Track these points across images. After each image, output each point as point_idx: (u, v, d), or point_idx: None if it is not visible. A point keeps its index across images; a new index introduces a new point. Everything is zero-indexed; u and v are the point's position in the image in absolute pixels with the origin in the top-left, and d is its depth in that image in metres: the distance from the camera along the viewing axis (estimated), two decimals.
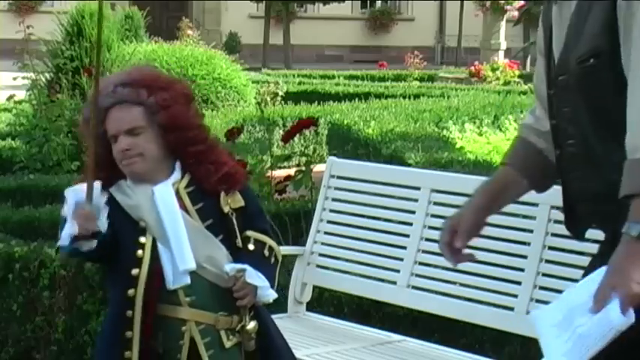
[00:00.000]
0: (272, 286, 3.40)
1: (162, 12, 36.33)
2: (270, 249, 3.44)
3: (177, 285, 3.29)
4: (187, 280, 3.29)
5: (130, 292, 3.26)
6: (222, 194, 3.35)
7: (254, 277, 3.31)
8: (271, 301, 3.40)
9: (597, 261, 2.78)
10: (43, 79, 10.07)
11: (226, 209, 3.34)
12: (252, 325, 3.34)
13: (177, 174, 3.36)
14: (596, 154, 2.66)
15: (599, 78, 2.53)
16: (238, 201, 3.38)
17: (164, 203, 3.30)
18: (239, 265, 3.31)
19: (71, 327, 5.35)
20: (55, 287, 5.35)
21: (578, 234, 3.07)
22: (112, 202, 3.29)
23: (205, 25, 36.38)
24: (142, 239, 3.28)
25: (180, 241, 3.27)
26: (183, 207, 3.32)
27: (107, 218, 3.25)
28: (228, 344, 3.33)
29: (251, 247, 3.39)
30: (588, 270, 2.86)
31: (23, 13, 32.05)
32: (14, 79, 10.36)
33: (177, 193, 3.33)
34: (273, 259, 3.45)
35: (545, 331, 2.49)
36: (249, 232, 3.40)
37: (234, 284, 3.29)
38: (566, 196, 2.96)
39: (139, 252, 3.28)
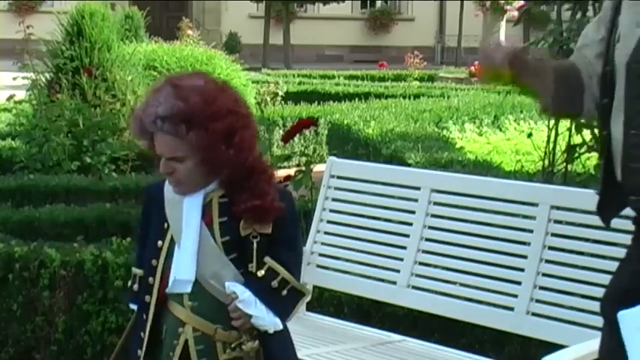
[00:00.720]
0: (281, 318, 3.32)
1: (162, 12, 36.32)
2: (284, 281, 3.32)
3: (174, 290, 3.31)
4: (187, 289, 3.30)
5: (150, 279, 3.35)
6: (244, 220, 3.28)
7: (249, 304, 3.26)
8: (271, 331, 3.31)
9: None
10: (43, 79, 10.06)
11: (244, 233, 3.29)
12: (250, 345, 3.28)
13: (214, 185, 3.32)
14: None
15: None
16: (266, 227, 3.29)
17: (189, 210, 3.31)
18: (236, 287, 3.26)
19: (71, 327, 5.35)
20: (55, 287, 5.35)
21: (609, 220, 3.03)
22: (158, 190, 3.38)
23: (205, 25, 36.38)
24: (163, 237, 3.35)
25: (187, 252, 3.29)
26: (209, 216, 3.30)
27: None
28: (223, 357, 3.30)
29: (260, 273, 3.30)
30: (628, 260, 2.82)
31: (23, 13, 32.06)
32: (14, 79, 10.35)
33: (210, 202, 3.31)
34: (285, 292, 3.33)
35: (630, 335, 2.48)
36: (266, 259, 3.31)
37: (229, 304, 3.29)
38: (614, 183, 2.85)
39: (159, 242, 3.35)
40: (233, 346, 3.30)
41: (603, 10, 3.04)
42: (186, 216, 3.31)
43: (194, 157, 3.22)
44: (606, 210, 3.10)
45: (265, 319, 3.28)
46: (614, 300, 2.87)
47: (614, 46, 2.91)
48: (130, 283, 3.50)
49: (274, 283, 3.30)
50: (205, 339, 3.31)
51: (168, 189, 3.36)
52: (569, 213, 4.27)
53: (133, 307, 3.47)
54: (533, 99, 3.32)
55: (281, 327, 3.33)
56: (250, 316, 3.27)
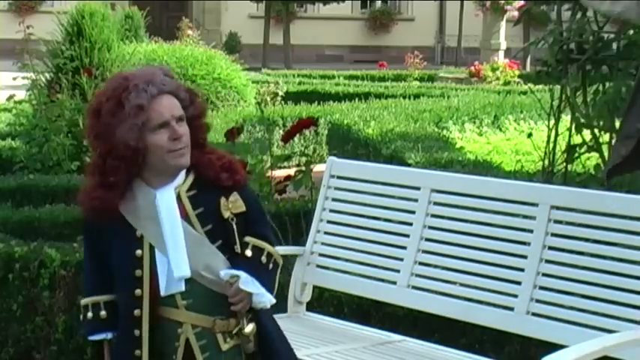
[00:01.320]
0: (271, 292, 3.39)
1: (162, 12, 36.30)
2: (269, 255, 3.42)
3: (169, 292, 3.30)
4: (181, 287, 3.30)
5: (137, 292, 3.29)
6: (223, 200, 3.34)
7: (249, 283, 3.31)
8: (268, 306, 3.39)
9: None
10: (43, 79, 10.06)
11: (226, 215, 3.33)
12: (249, 328, 3.34)
13: (181, 177, 3.36)
14: None
15: None
16: (239, 206, 3.36)
17: (166, 209, 3.30)
18: (233, 272, 3.30)
19: (71, 327, 5.35)
20: (55, 287, 5.35)
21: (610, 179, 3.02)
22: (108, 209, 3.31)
23: (205, 25, 36.36)
24: (139, 246, 3.30)
25: (177, 248, 3.28)
26: (183, 211, 3.32)
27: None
28: (225, 347, 3.33)
29: (248, 253, 3.37)
30: None
31: (23, 13, 32.03)
32: (14, 79, 10.35)
33: (179, 196, 3.33)
34: (271, 265, 3.43)
35: None
36: (247, 238, 3.39)
37: (229, 290, 3.29)
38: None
39: (138, 252, 3.30)
40: (235, 332, 3.32)
41: None
42: (165, 215, 3.29)
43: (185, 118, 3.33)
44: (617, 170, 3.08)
45: (264, 295, 3.34)
46: None
47: None
48: (88, 315, 3.39)
49: (263, 259, 3.39)
50: (206, 333, 3.32)
51: (124, 206, 3.30)
52: (569, 213, 4.27)
53: (100, 337, 3.39)
54: None
55: (274, 301, 3.40)
56: (251, 296, 3.30)
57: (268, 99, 15.85)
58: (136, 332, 3.30)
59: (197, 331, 3.32)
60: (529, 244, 4.34)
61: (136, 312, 3.29)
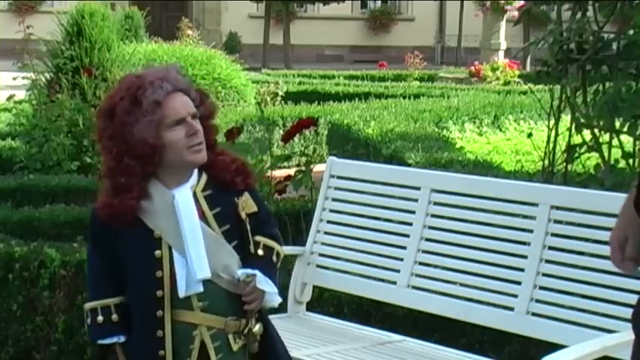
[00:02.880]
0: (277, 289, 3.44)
1: (163, 12, 36.30)
2: (278, 255, 3.47)
3: (188, 293, 3.29)
4: (200, 289, 3.29)
5: (159, 293, 3.27)
6: (241, 200, 3.36)
7: (264, 282, 3.34)
8: (276, 305, 3.43)
9: None
10: (43, 79, 10.06)
11: (243, 215, 3.36)
12: (257, 327, 3.36)
13: (194, 177, 3.35)
14: None
15: None
16: (251, 206, 3.38)
17: (185, 210, 3.29)
18: (250, 271, 3.32)
19: (71, 327, 5.35)
20: (55, 287, 5.35)
21: None
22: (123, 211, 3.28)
23: (205, 25, 36.37)
24: (158, 247, 3.28)
25: (197, 249, 3.27)
26: (200, 211, 3.32)
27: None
28: (235, 347, 3.35)
29: (261, 252, 3.40)
30: None
31: (23, 13, 32.03)
32: (14, 79, 10.35)
33: (195, 196, 3.33)
34: (278, 265, 3.49)
35: None
36: (258, 238, 3.41)
37: (244, 289, 3.30)
38: None
39: (158, 252, 3.28)
40: (245, 332, 3.33)
41: None
42: (184, 215, 3.28)
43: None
44: None
45: (276, 294, 3.38)
46: None
47: None
48: (98, 318, 3.32)
49: (274, 258, 3.44)
50: (219, 334, 3.33)
51: (140, 207, 3.26)
52: (569, 213, 4.27)
53: (111, 341, 3.34)
54: None
55: (281, 300, 3.45)
56: (263, 295, 3.33)
57: (268, 99, 15.85)
58: (159, 333, 3.28)
59: (212, 333, 3.32)
60: (529, 244, 4.34)
61: (159, 313, 3.28)
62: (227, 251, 3.33)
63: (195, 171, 3.35)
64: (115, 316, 3.32)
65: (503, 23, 24.39)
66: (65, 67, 9.95)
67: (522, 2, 22.26)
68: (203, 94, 3.39)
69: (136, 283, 3.30)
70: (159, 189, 3.30)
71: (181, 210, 3.28)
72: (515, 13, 23.11)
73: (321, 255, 5.05)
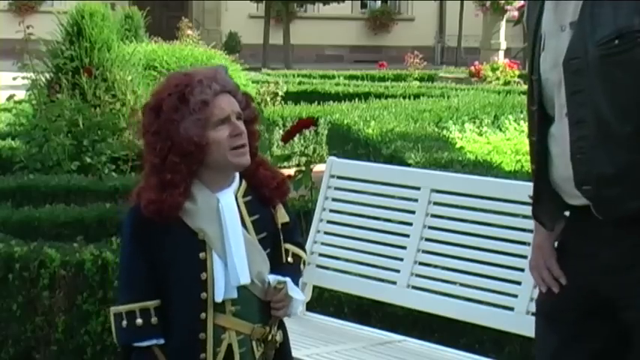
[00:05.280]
0: None
1: (162, 12, 36.30)
2: (304, 263, 3.52)
3: (225, 297, 3.29)
4: (235, 294, 3.29)
5: (203, 295, 3.26)
6: (278, 208, 3.39)
7: (294, 289, 3.36)
8: (298, 313, 3.49)
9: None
10: (43, 79, 10.06)
11: (279, 225, 3.40)
12: (279, 335, 3.39)
13: (236, 182, 3.36)
14: (611, 135, 2.74)
15: (623, 59, 2.66)
16: (284, 216, 3.42)
17: (229, 215, 3.28)
18: (281, 278, 3.34)
19: (71, 327, 5.35)
20: (55, 287, 5.35)
21: (552, 226, 3.15)
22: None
23: (205, 25, 36.37)
24: (202, 249, 3.28)
25: (239, 255, 3.27)
26: (240, 217, 3.32)
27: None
28: (257, 354, 3.36)
29: (290, 260, 3.44)
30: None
31: (23, 13, 32.03)
32: (14, 79, 10.34)
33: (236, 201, 3.33)
34: (303, 272, 3.56)
35: None
36: (287, 245, 3.45)
37: (274, 295, 3.32)
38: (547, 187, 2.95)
39: (202, 254, 3.27)
40: (269, 339, 3.34)
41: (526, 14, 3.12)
42: (228, 220, 3.27)
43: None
44: (545, 215, 3.21)
45: (302, 302, 3.43)
46: None
47: (539, 55, 3.00)
48: (137, 321, 3.25)
49: (301, 266, 3.48)
50: (246, 340, 3.33)
51: (183, 208, 3.24)
52: None
53: (149, 343, 3.28)
54: None
55: (301, 307, 3.51)
56: (291, 303, 3.35)
57: (268, 99, 15.85)
58: (202, 335, 3.27)
59: (240, 338, 3.32)
60: (529, 244, 4.34)
61: (202, 315, 3.27)
62: (262, 258, 3.34)
63: (237, 175, 3.35)
64: (154, 319, 3.27)
65: (503, 23, 24.39)
66: (65, 67, 9.94)
67: (522, 2, 22.26)
68: (249, 98, 3.38)
69: (180, 285, 3.27)
70: (202, 191, 3.29)
71: (226, 215, 3.28)
72: (515, 13, 23.11)
73: (321, 255, 5.06)
